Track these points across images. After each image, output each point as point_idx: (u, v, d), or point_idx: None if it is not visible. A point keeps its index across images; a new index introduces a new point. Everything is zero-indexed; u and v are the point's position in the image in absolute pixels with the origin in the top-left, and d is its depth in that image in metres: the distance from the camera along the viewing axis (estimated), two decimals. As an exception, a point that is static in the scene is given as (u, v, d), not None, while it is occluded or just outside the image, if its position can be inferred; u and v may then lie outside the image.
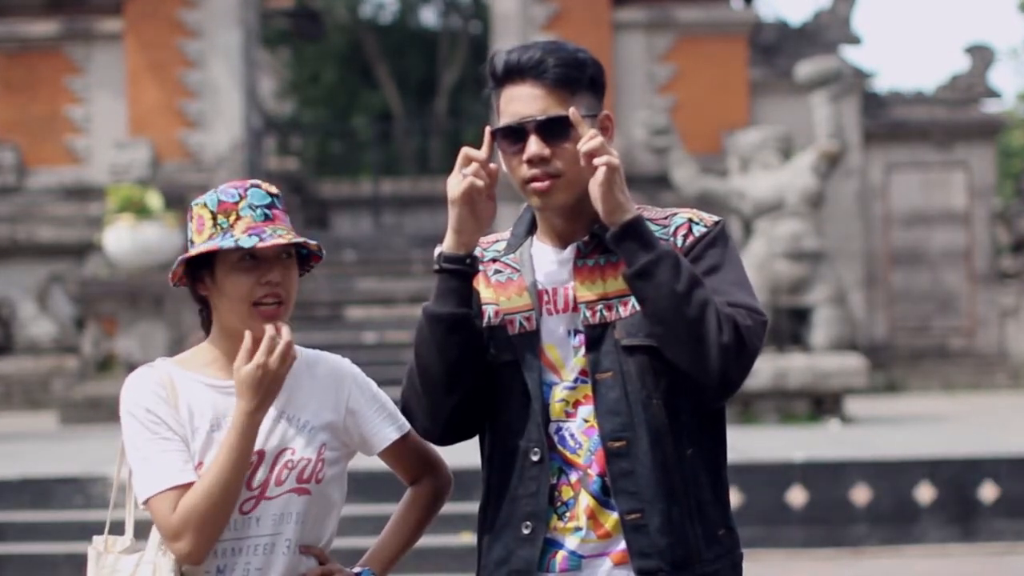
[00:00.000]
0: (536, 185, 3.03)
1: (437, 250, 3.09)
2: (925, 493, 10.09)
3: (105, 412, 15.07)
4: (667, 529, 2.99)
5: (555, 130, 3.01)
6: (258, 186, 3.10)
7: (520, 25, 19.35)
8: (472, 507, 9.78)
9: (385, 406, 3.23)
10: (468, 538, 9.17)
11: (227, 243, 3.02)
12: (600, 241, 3.04)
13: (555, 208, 3.06)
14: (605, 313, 3.03)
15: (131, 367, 15.70)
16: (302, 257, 3.17)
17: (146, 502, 3.04)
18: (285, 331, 3.03)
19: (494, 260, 3.17)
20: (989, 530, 10.04)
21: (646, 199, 18.78)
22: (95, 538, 3.13)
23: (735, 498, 9.14)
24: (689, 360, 2.97)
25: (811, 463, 10.17)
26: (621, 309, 3.03)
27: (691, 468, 3.04)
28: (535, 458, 3.04)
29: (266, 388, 3.00)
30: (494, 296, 3.13)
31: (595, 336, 3.03)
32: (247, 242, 3.01)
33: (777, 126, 15.61)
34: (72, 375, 17.71)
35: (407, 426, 3.23)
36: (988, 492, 10.09)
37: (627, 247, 2.95)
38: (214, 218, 3.06)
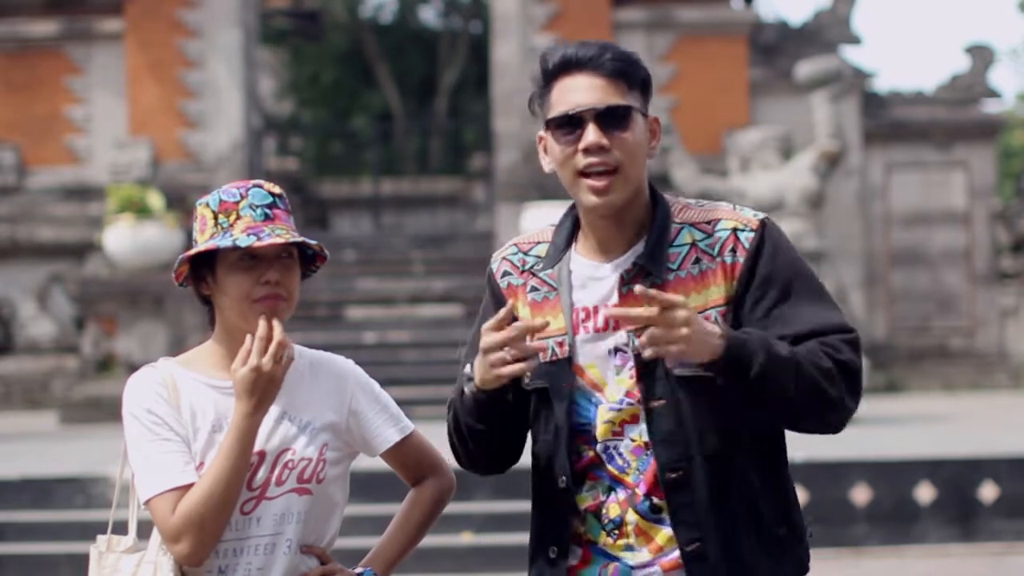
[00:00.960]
0: (592, 183, 2.96)
1: (467, 369, 3.01)
2: (925, 493, 10.09)
3: (105, 412, 15.06)
4: (727, 554, 2.96)
5: (614, 120, 2.97)
6: (260, 186, 3.11)
7: (520, 25, 19.35)
8: (472, 507, 9.74)
9: (387, 407, 3.23)
10: (468, 538, 9.17)
11: (225, 242, 3.03)
12: (642, 267, 2.98)
13: (609, 207, 2.98)
14: None
15: (131, 367, 15.72)
16: (307, 257, 3.17)
17: (147, 503, 3.05)
18: (277, 331, 3.02)
19: (532, 273, 3.10)
20: (989, 530, 10.04)
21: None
22: (98, 537, 3.14)
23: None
24: (816, 428, 3.00)
25: (811, 463, 10.16)
26: None
27: (747, 484, 3.00)
28: (562, 485, 3.02)
29: (262, 390, 3.00)
30: (530, 317, 3.07)
31: (646, 363, 2.96)
32: (244, 241, 3.02)
33: (777, 126, 15.62)
34: (72, 375, 17.71)
35: (409, 427, 3.24)
36: (988, 492, 10.09)
37: (728, 375, 2.91)
38: (215, 218, 3.08)
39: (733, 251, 2.98)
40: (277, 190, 3.13)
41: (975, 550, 9.88)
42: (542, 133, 3.04)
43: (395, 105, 33.11)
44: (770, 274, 2.97)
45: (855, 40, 20.74)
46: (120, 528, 3.17)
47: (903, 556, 9.81)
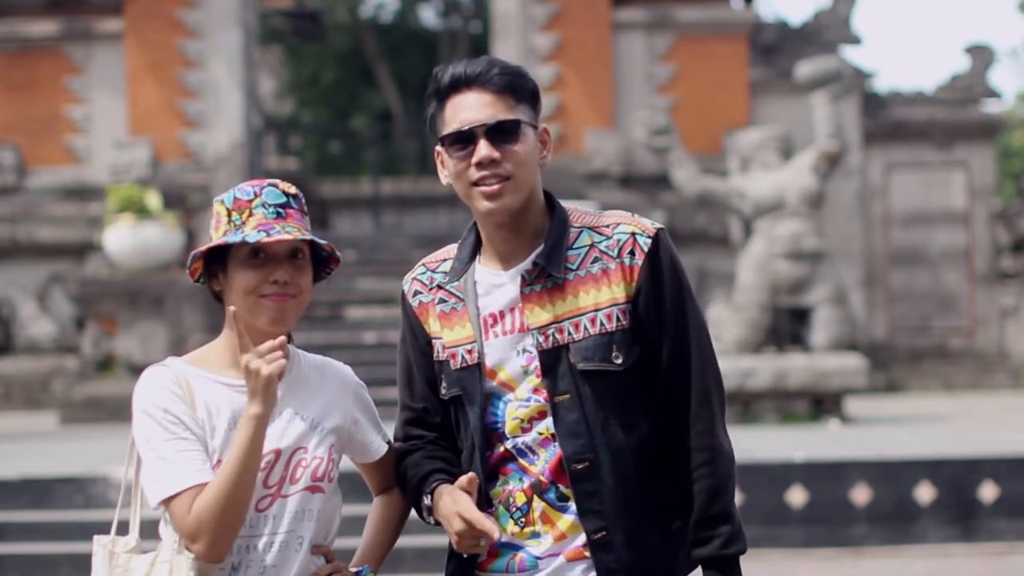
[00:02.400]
0: (485, 188, 3.09)
1: (427, 500, 3.18)
2: (925, 493, 10.09)
3: (105, 412, 15.07)
4: (630, 543, 3.09)
5: (504, 134, 3.09)
6: (275, 185, 3.16)
7: (520, 25, 19.34)
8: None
9: (375, 416, 3.32)
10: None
11: (235, 238, 3.08)
12: (543, 268, 3.12)
13: (503, 212, 3.11)
14: (557, 336, 3.11)
15: (131, 367, 15.73)
16: (321, 259, 3.21)
17: (164, 502, 3.06)
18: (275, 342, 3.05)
19: (440, 287, 3.23)
20: (989, 530, 10.04)
21: (646, 199, 18.81)
22: (103, 537, 3.14)
23: (736, 498, 9.12)
24: None
25: (811, 463, 10.17)
26: (572, 331, 3.11)
27: (648, 472, 3.14)
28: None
29: (262, 391, 3.02)
30: (440, 329, 3.21)
31: (550, 360, 3.11)
32: (253, 237, 3.06)
33: (777, 126, 15.61)
34: (72, 375, 17.71)
35: (388, 436, 3.33)
36: (988, 492, 10.09)
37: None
38: (229, 215, 3.12)
39: (632, 253, 3.13)
40: (293, 190, 3.17)
41: (975, 550, 9.88)
42: (439, 149, 3.17)
43: (395, 105, 33.11)
44: (663, 280, 3.14)
45: (855, 40, 20.74)
46: (122, 528, 3.18)
47: (903, 556, 9.81)
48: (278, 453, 3.11)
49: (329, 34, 32.40)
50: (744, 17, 20.27)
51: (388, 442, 3.31)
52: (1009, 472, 10.16)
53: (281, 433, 3.12)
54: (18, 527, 9.65)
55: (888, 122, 20.17)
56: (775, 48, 20.27)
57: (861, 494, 10.09)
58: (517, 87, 3.12)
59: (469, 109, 3.10)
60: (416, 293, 3.26)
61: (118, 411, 14.93)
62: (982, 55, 20.69)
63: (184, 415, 3.09)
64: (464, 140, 3.10)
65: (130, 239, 16.19)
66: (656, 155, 16.52)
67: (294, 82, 35.08)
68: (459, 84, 3.11)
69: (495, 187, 3.08)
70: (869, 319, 19.77)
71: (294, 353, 3.22)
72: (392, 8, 36.17)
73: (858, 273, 19.65)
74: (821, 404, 13.71)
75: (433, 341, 3.22)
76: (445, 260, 3.26)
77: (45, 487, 10.05)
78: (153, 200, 16.36)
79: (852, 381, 13.77)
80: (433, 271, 3.26)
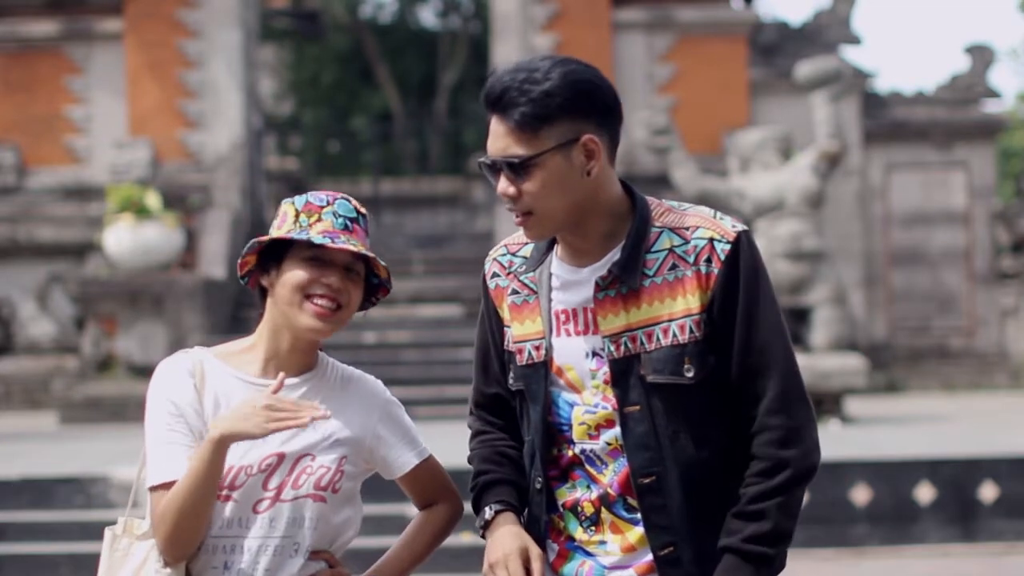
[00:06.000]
0: (516, 220, 3.03)
1: (488, 515, 3.12)
2: (925, 493, 10.09)
3: (105, 412, 15.06)
4: (699, 559, 3.02)
5: (517, 170, 2.96)
6: (348, 200, 3.16)
7: (520, 25, 19.34)
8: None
9: (408, 431, 3.27)
10: (468, 538, 9.17)
11: (301, 235, 3.08)
12: (617, 275, 3.01)
13: (536, 239, 3.07)
14: (630, 345, 3.00)
15: (131, 367, 15.73)
16: (370, 288, 3.21)
17: (149, 491, 3.10)
18: (306, 412, 3.02)
19: (516, 276, 3.14)
20: (989, 530, 10.04)
21: (646, 199, 18.74)
22: (118, 519, 3.16)
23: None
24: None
25: (811, 463, 10.15)
26: (645, 341, 3.00)
27: (719, 484, 3.04)
28: (537, 486, 3.10)
29: (264, 425, 2.98)
30: (510, 320, 3.14)
31: (620, 370, 3.01)
32: (319, 240, 3.07)
33: (777, 126, 15.61)
34: (72, 375, 17.71)
35: (426, 452, 3.29)
36: (988, 492, 10.09)
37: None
38: (297, 216, 3.12)
39: (709, 261, 2.99)
40: (363, 209, 3.18)
41: (975, 550, 9.88)
42: None
43: (395, 105, 33.12)
44: (739, 287, 3.00)
45: (855, 40, 20.74)
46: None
47: (903, 556, 9.81)
48: (281, 456, 3.11)
49: (329, 34, 32.39)
50: (744, 17, 20.27)
51: (427, 457, 3.27)
52: (1009, 472, 10.16)
53: (288, 437, 3.11)
54: (18, 527, 9.64)
55: (888, 122, 20.17)
56: (775, 48, 20.27)
57: (861, 494, 10.09)
58: (537, 116, 2.94)
59: (492, 137, 3.01)
60: (495, 275, 3.17)
61: (118, 411, 14.92)
62: (982, 55, 20.69)
63: (187, 404, 3.10)
64: (490, 169, 3.01)
65: (130, 239, 16.18)
66: (656, 155, 16.52)
67: (294, 82, 35.08)
68: (487, 105, 3.02)
69: (519, 220, 3.00)
70: (869, 319, 19.77)
71: (323, 361, 3.24)
72: (392, 8, 36.17)
73: (858, 273, 19.65)
74: (821, 404, 13.70)
75: (505, 329, 3.13)
76: (527, 243, 3.15)
77: (45, 487, 10.04)
78: (153, 200, 16.36)
79: (852, 381, 13.77)
80: (513, 255, 3.16)
